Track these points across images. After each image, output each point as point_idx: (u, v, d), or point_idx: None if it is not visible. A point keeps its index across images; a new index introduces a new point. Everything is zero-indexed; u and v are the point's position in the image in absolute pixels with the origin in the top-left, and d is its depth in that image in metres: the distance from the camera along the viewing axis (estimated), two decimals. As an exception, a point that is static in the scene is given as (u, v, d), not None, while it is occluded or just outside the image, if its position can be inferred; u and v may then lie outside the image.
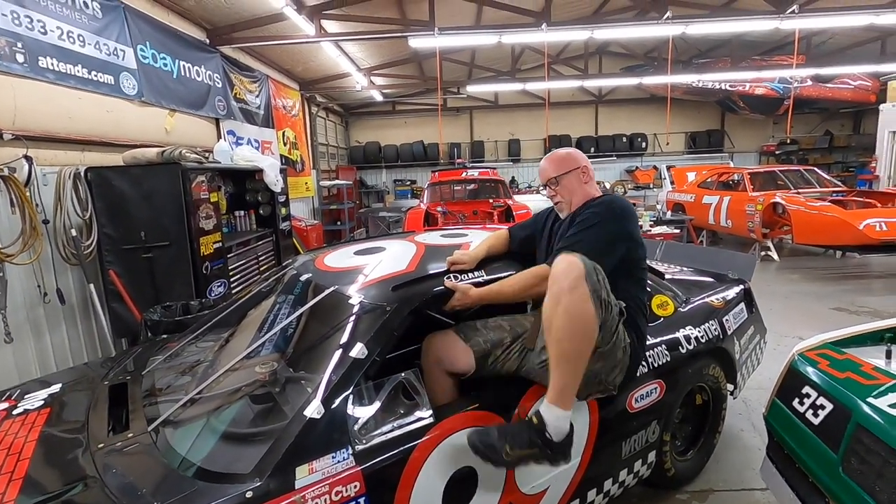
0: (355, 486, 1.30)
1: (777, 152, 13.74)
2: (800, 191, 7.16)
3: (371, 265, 1.90)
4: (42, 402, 1.78)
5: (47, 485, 1.32)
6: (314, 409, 1.32)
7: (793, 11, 6.11)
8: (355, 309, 1.62)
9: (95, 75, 3.97)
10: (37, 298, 3.28)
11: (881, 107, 10.84)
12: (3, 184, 2.95)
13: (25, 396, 1.85)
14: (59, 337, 3.48)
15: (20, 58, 3.31)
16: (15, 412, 1.72)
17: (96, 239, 3.49)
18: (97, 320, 3.63)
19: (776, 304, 5.03)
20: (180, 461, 1.36)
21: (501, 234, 2.12)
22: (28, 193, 3.05)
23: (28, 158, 3.08)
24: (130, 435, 1.47)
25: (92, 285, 3.51)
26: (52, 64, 3.56)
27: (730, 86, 11.72)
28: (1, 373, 3.02)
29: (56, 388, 1.91)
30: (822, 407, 1.61)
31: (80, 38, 3.83)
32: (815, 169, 8.16)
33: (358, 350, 1.45)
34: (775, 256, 7.18)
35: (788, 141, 13.59)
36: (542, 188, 1.95)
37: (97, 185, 3.47)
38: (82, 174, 3.43)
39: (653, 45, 11.57)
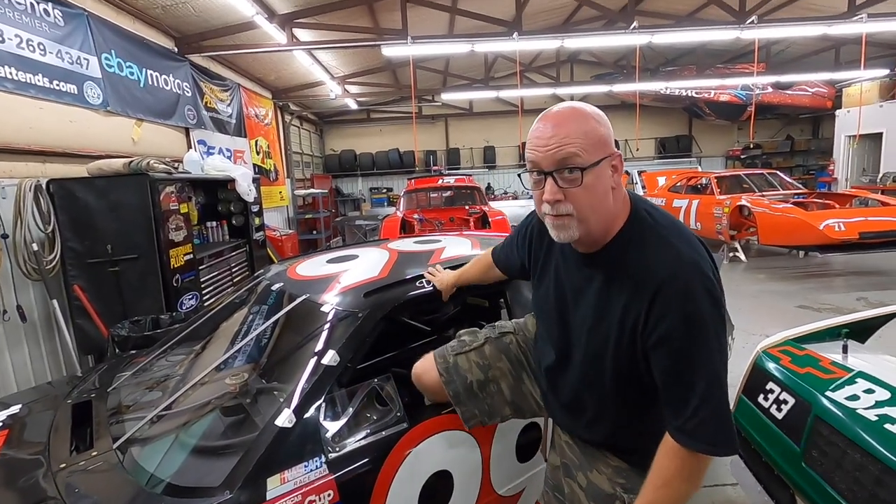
0: (329, 495, 1.28)
1: (742, 156, 14.23)
2: (764, 193, 7.42)
3: (343, 273, 1.89)
4: (0, 424, 1.71)
5: (5, 509, 1.27)
6: (285, 419, 1.31)
7: (752, 22, 6.37)
8: (328, 317, 1.61)
9: (58, 84, 3.86)
10: (-4, 316, 3.16)
11: (837, 112, 11.40)
12: (-42, 197, 2.84)
13: (-18, 418, 1.77)
14: (20, 356, 3.35)
15: (-24, 67, 3.20)
16: (-29, 435, 1.64)
17: (59, 253, 3.37)
18: (61, 337, 3.50)
19: (744, 304, 5.19)
20: (148, 478, 1.32)
21: (482, 261, 1.68)
22: (-15, 207, 2.94)
23: (-15, 171, 2.98)
24: (94, 454, 1.43)
25: (55, 301, 3.39)
26: (11, 73, 3.45)
27: (696, 93, 12.12)
28: (-43, 395, 2.88)
29: (16, 408, 1.83)
30: (785, 402, 1.66)
31: (41, 47, 3.72)
32: (778, 172, 8.49)
33: (330, 357, 1.44)
34: (743, 257, 7.40)
35: (752, 145, 14.10)
36: (524, 178, 1.11)
37: (60, 197, 3.36)
38: (44, 186, 3.32)
39: (621, 53, 11.87)
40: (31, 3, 3.68)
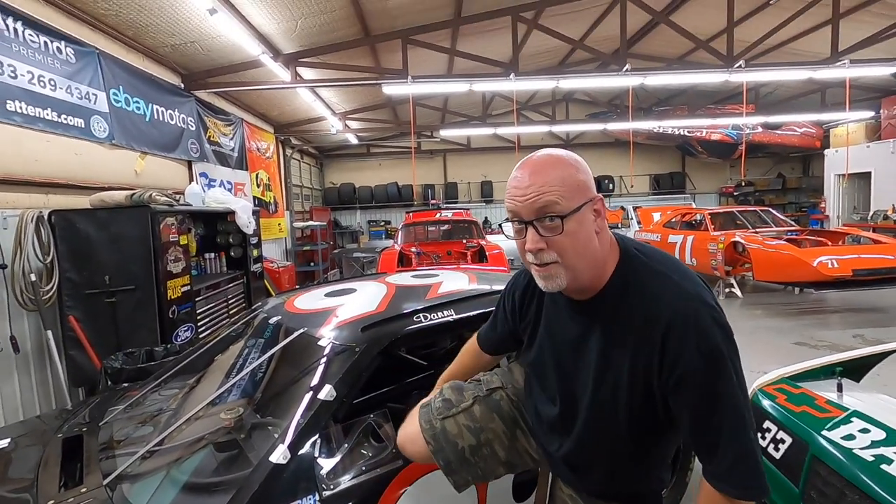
0: (322, 536, 1.26)
1: (735, 193, 14.49)
2: (757, 230, 7.52)
3: (341, 306, 1.90)
4: (-12, 458, 1.68)
5: (-11, 548, 1.24)
6: (280, 455, 1.30)
7: (739, 66, 6.61)
8: (325, 351, 1.61)
9: (65, 118, 3.95)
10: (-12, 347, 3.13)
11: (825, 152, 11.68)
12: (-40, 227, 2.86)
13: (-31, 452, 1.74)
14: (9, 388, 3.30)
15: (-13, 101, 3.28)
16: (-43, 470, 1.61)
17: (57, 283, 3.37)
18: (53, 369, 3.47)
19: (741, 340, 5.04)
20: (137, 516, 1.30)
21: (466, 355, 1.51)
22: (-14, 237, 2.96)
23: (-12, 202, 3.01)
24: (84, 490, 1.40)
25: (50, 332, 3.37)
26: (21, 107, 3.53)
27: (688, 132, 12.43)
28: (-58, 428, 2.82)
29: (3, 443, 1.80)
30: (783, 441, 1.65)
31: (52, 83, 3.83)
32: (770, 209, 8.62)
33: (326, 392, 1.44)
34: (739, 293, 7.43)
35: (744, 183, 14.38)
36: (506, 226, 1.06)
37: (61, 228, 3.39)
38: (45, 217, 3.35)
39: (615, 93, 12.24)
40: (45, 42, 3.81)
